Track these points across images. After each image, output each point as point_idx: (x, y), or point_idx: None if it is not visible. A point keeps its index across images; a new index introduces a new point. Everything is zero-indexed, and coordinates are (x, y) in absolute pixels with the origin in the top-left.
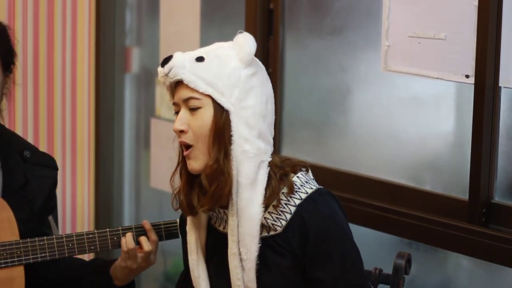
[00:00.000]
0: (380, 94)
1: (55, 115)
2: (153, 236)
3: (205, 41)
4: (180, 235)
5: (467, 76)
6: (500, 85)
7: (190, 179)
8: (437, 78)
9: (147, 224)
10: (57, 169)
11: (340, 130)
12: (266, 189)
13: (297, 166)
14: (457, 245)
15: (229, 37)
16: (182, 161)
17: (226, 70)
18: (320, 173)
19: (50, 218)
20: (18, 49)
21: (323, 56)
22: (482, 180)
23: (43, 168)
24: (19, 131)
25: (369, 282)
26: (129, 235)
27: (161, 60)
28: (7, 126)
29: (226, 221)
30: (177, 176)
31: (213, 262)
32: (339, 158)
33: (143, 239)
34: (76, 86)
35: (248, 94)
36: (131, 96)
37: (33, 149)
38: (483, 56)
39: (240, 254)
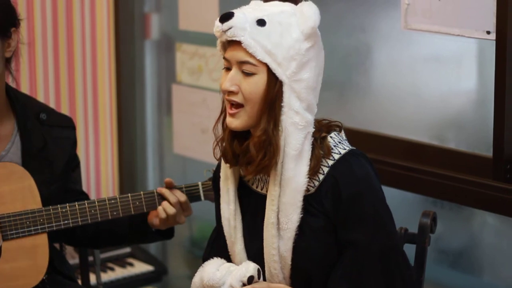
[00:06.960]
0: (401, 53)
1: (76, 83)
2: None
3: (224, 7)
4: (214, 192)
5: (488, 32)
6: None
7: (234, 131)
8: (458, 35)
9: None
10: (75, 128)
11: (362, 90)
12: (310, 159)
13: (331, 127)
14: (482, 202)
15: (249, 2)
16: (225, 112)
17: (286, 41)
18: None
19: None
20: (36, 14)
21: (343, 16)
22: (506, 136)
23: (61, 129)
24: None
25: (400, 244)
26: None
27: (181, 25)
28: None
29: (265, 182)
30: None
31: (245, 221)
32: (362, 118)
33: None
34: (96, 53)
35: (304, 67)
36: (151, 63)
37: (49, 111)
38: (504, 11)
39: (278, 223)
